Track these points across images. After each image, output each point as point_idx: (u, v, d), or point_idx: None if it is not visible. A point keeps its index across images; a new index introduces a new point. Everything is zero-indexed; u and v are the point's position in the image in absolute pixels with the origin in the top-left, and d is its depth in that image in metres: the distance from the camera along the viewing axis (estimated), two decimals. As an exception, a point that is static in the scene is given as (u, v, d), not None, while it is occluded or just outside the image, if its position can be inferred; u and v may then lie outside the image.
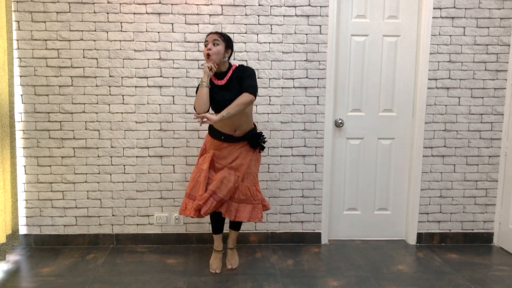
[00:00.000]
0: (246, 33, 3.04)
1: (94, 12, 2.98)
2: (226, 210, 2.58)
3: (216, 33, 2.51)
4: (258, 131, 2.69)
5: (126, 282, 2.59)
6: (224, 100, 2.46)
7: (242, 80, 2.49)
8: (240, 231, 2.94)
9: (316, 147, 3.16)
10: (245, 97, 2.43)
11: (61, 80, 3.02)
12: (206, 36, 2.54)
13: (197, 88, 2.54)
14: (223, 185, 2.53)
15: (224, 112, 2.40)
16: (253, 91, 2.45)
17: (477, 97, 3.18)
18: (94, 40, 3.00)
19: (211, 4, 3.00)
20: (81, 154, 3.09)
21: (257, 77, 2.63)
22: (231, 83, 2.52)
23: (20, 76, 3.00)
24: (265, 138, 2.66)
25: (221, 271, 2.74)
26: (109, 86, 3.05)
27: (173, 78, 3.06)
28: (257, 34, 3.05)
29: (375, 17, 3.14)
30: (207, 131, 2.70)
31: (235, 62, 2.75)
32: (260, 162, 2.76)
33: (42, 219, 3.13)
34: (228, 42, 2.53)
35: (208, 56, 2.46)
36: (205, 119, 2.45)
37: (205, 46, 2.50)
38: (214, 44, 2.47)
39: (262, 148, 2.66)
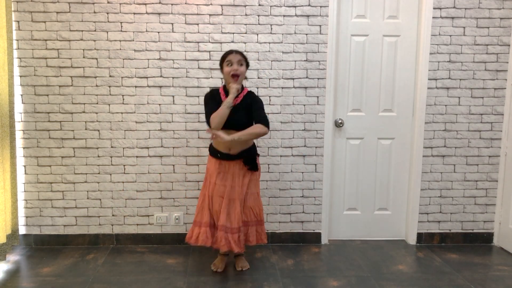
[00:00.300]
0: (246, 33, 3.04)
1: (94, 12, 2.98)
2: (236, 244, 2.58)
3: (239, 53, 2.58)
4: (256, 151, 2.68)
5: (126, 282, 2.59)
6: (232, 120, 2.50)
7: (254, 109, 2.55)
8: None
9: (316, 147, 3.16)
10: (259, 128, 2.49)
11: (61, 80, 3.02)
12: (227, 54, 2.56)
13: (207, 95, 2.61)
14: (231, 216, 2.57)
15: (236, 136, 2.44)
16: (267, 124, 2.53)
17: (477, 97, 3.18)
18: (94, 40, 3.00)
19: (211, 4, 3.01)
20: (81, 154, 3.09)
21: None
22: (240, 106, 2.56)
23: (20, 76, 3.00)
24: (258, 156, 2.67)
25: (222, 271, 2.74)
26: (109, 86, 3.05)
27: (173, 78, 3.06)
28: (257, 34, 3.05)
29: (375, 17, 3.14)
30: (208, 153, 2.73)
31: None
32: (259, 179, 2.75)
33: (42, 219, 3.13)
34: (247, 63, 2.63)
35: (236, 77, 2.52)
36: (216, 136, 2.46)
37: (228, 65, 2.53)
38: (239, 65, 2.54)
39: (253, 168, 2.62)
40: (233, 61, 2.53)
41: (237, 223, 2.58)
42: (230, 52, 2.57)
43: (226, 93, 2.58)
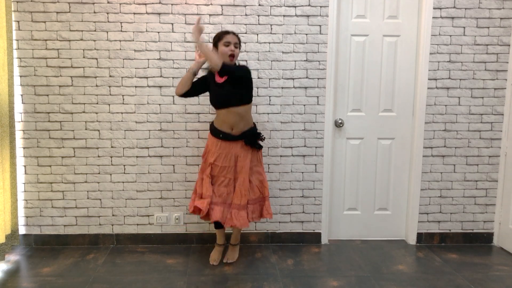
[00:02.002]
0: (246, 33, 3.04)
1: (94, 12, 2.98)
2: (237, 218, 2.66)
3: (236, 35, 2.66)
4: (257, 130, 2.75)
5: (126, 282, 2.59)
6: (225, 97, 2.61)
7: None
8: (241, 231, 2.95)
9: (316, 147, 3.16)
10: (218, 58, 2.53)
11: (61, 80, 3.02)
12: (225, 34, 2.63)
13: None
14: (237, 194, 2.68)
15: (199, 41, 2.54)
16: (226, 65, 2.53)
17: (477, 97, 3.18)
18: (94, 40, 3.00)
19: (211, 4, 3.00)
20: (81, 154, 3.09)
21: (252, 77, 2.74)
22: (230, 83, 2.62)
23: (20, 76, 3.00)
24: (263, 136, 2.72)
25: (220, 270, 2.74)
26: (109, 86, 3.05)
27: (173, 78, 3.06)
28: (257, 34, 3.05)
29: (375, 17, 3.14)
30: (209, 131, 2.77)
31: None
32: (262, 161, 2.81)
33: (42, 219, 3.13)
34: (240, 45, 2.73)
35: (232, 57, 2.61)
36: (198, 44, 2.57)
37: (226, 46, 2.60)
38: (235, 47, 2.62)
39: (259, 147, 2.72)
40: (232, 42, 2.61)
41: (245, 200, 2.65)
42: (227, 33, 2.64)
43: (220, 74, 2.66)
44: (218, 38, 2.64)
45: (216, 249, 2.90)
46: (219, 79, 2.66)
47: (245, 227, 2.68)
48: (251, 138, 2.67)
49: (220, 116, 2.67)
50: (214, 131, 2.70)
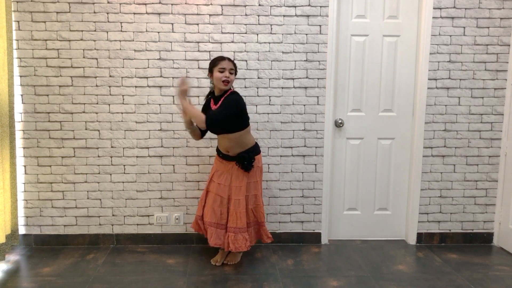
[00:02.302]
0: (246, 33, 3.04)
1: (94, 12, 2.98)
2: (233, 242, 2.68)
3: (230, 60, 2.64)
4: (254, 152, 2.71)
5: (126, 282, 2.59)
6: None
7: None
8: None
9: (316, 147, 3.16)
10: (201, 117, 2.53)
11: (61, 80, 3.02)
12: (220, 60, 2.61)
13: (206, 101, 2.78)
14: (223, 214, 2.71)
15: (183, 105, 2.63)
16: (210, 120, 2.52)
17: (477, 97, 3.18)
18: (94, 40, 3.00)
19: (211, 4, 3.00)
20: (81, 154, 3.09)
21: (241, 109, 2.61)
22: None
23: (20, 76, 3.00)
24: (252, 160, 2.68)
25: (220, 270, 2.74)
26: (109, 86, 3.05)
27: (173, 78, 3.06)
28: (257, 34, 3.05)
29: (375, 17, 3.14)
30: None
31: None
32: (260, 180, 2.80)
33: (42, 219, 3.13)
34: (236, 73, 2.70)
35: (226, 83, 2.59)
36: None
37: (220, 72, 2.58)
38: (231, 73, 2.61)
39: (246, 169, 2.66)
40: (227, 68, 2.59)
41: (241, 223, 2.66)
42: (222, 59, 2.62)
43: (214, 99, 2.69)
44: (213, 64, 2.63)
45: (220, 252, 2.89)
46: (213, 106, 2.66)
47: (241, 250, 2.68)
48: (241, 160, 2.64)
49: (218, 138, 2.74)
50: (217, 149, 2.79)
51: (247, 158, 2.64)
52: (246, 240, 2.68)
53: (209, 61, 3.02)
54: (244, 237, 2.67)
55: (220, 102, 2.60)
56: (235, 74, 2.68)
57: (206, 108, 2.75)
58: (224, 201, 2.70)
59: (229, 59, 2.64)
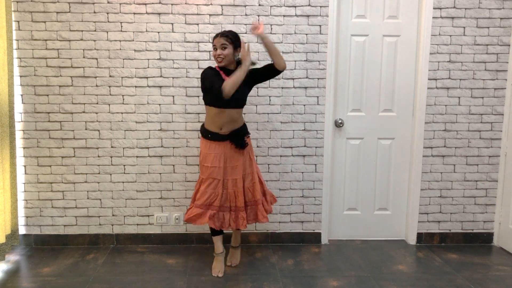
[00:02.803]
0: (246, 33, 3.04)
1: (94, 12, 2.98)
2: (235, 221, 2.64)
3: (222, 35, 2.53)
4: (245, 129, 2.70)
5: (126, 282, 2.59)
6: (233, 99, 2.49)
7: (257, 69, 2.61)
8: (241, 232, 2.95)
9: (316, 147, 3.16)
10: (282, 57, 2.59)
11: (61, 80, 3.02)
12: (213, 39, 2.57)
13: (208, 71, 2.56)
14: (231, 195, 2.64)
15: (267, 40, 2.54)
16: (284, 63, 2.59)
17: (477, 97, 3.18)
18: (94, 40, 3.00)
19: (211, 4, 3.00)
20: (81, 154, 3.09)
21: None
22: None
23: (20, 76, 3.00)
24: (248, 135, 2.67)
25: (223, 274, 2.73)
26: (109, 86, 3.05)
27: (173, 78, 3.06)
28: (257, 34, 3.04)
29: (375, 17, 3.14)
30: (200, 135, 2.76)
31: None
32: (253, 158, 2.75)
33: (42, 219, 3.13)
34: (236, 42, 2.57)
35: (220, 61, 2.53)
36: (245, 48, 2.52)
37: (214, 49, 2.55)
38: (222, 49, 2.52)
39: (241, 146, 2.61)
40: (217, 45, 2.54)
41: (240, 202, 2.62)
42: (215, 36, 2.56)
43: (225, 72, 2.57)
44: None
45: (217, 259, 2.75)
46: (226, 77, 2.53)
47: (243, 228, 2.66)
48: (236, 137, 2.60)
49: (211, 116, 2.59)
50: (203, 132, 2.65)
51: (241, 135, 2.61)
52: (244, 219, 2.62)
53: (209, 61, 3.03)
54: (242, 216, 2.62)
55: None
56: (235, 47, 2.56)
57: (218, 76, 2.55)
58: (219, 184, 2.59)
59: (222, 34, 2.54)
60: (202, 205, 2.60)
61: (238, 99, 2.57)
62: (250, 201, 2.69)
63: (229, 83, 2.41)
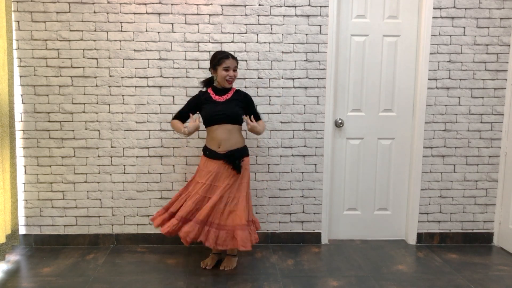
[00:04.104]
0: (246, 33, 3.04)
1: (94, 12, 2.98)
2: (206, 238, 2.56)
3: (233, 58, 2.68)
4: (246, 152, 2.70)
5: (126, 282, 2.59)
6: (220, 113, 2.62)
7: (250, 108, 2.73)
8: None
9: (316, 147, 3.16)
10: (264, 126, 2.80)
11: (61, 80, 3.02)
12: (225, 58, 2.62)
13: (194, 96, 2.79)
14: (203, 211, 2.57)
15: (253, 124, 2.65)
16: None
17: (477, 97, 3.18)
18: (94, 40, 3.00)
19: (211, 4, 3.00)
20: (81, 154, 3.09)
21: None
22: (230, 103, 2.66)
23: (20, 76, 3.00)
24: (242, 160, 2.65)
25: (220, 270, 2.74)
26: (109, 86, 3.05)
27: (173, 78, 3.06)
28: (257, 34, 3.05)
29: (375, 17, 3.14)
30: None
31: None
32: (248, 181, 2.70)
33: (42, 219, 3.13)
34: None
35: (230, 82, 2.67)
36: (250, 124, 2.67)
37: (225, 70, 2.62)
38: (234, 71, 2.67)
39: (236, 167, 2.61)
40: (231, 67, 2.63)
41: (223, 220, 2.57)
42: (227, 57, 2.63)
43: (216, 92, 2.70)
44: (217, 62, 2.63)
45: (211, 256, 2.84)
46: (219, 98, 2.67)
47: (212, 247, 2.59)
48: (231, 158, 2.60)
49: (209, 134, 2.68)
50: (203, 148, 2.73)
51: (236, 156, 2.61)
52: (215, 238, 2.56)
53: (209, 61, 3.02)
54: (213, 234, 2.56)
55: (229, 96, 2.68)
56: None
57: (196, 102, 2.72)
58: (200, 199, 2.59)
59: (232, 56, 2.66)
60: (181, 218, 2.61)
61: (225, 114, 2.62)
62: (226, 225, 2.57)
63: (172, 124, 2.75)
